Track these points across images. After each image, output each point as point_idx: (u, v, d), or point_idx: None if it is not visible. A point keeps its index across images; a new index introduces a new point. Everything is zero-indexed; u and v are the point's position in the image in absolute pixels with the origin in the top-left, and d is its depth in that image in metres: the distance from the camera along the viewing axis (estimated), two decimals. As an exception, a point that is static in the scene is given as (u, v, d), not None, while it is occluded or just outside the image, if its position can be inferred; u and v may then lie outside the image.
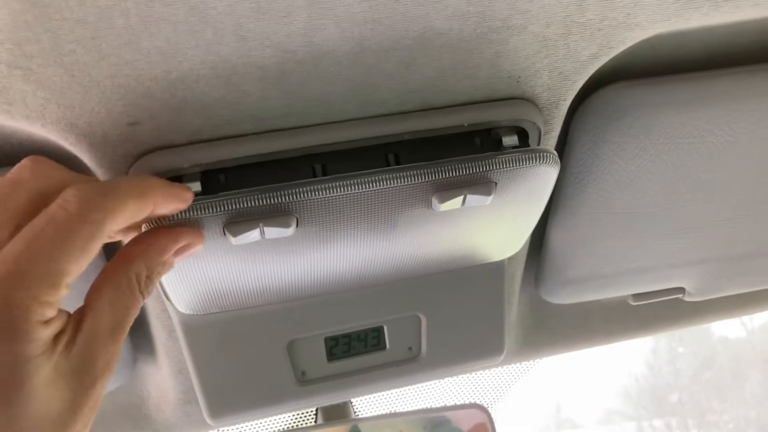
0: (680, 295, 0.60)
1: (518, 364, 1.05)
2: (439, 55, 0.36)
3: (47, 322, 0.25)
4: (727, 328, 5.28)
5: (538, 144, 0.43)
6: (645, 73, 0.45)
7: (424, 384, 0.98)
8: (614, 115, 0.44)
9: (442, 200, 0.38)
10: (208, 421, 0.49)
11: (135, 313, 0.29)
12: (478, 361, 0.53)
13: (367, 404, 0.91)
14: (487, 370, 1.02)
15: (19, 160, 0.38)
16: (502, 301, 0.51)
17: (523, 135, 0.42)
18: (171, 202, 0.32)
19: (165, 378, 0.54)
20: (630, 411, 5.19)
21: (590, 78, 0.42)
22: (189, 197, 0.33)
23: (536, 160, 0.38)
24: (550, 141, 0.44)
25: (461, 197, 0.38)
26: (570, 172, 0.47)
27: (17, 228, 0.26)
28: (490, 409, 0.62)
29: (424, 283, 0.49)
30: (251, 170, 0.37)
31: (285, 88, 0.35)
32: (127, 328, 0.29)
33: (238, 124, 0.37)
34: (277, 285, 0.43)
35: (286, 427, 0.79)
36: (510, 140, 0.39)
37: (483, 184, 0.38)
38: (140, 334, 0.51)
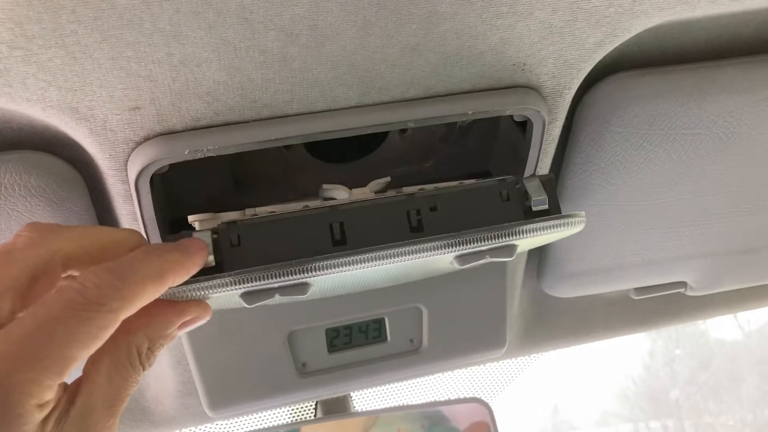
0: (682, 290, 0.60)
1: (517, 360, 1.04)
2: (444, 41, 0.35)
3: (44, 405, 0.24)
4: (724, 330, 5.29)
5: (543, 133, 0.42)
6: (650, 63, 0.44)
7: (423, 379, 0.97)
8: (619, 104, 0.44)
9: (463, 264, 0.36)
10: (208, 413, 0.49)
11: (134, 386, 0.28)
12: (480, 354, 0.52)
13: (367, 398, 0.90)
14: (486, 365, 1.01)
15: (19, 146, 0.38)
16: (504, 294, 0.51)
17: (527, 127, 0.42)
18: (185, 275, 0.31)
19: (164, 369, 0.53)
20: (627, 413, 5.19)
21: (595, 68, 0.42)
22: (201, 262, 0.31)
23: (566, 227, 0.36)
24: (555, 131, 0.44)
25: (482, 260, 0.36)
26: (574, 162, 0.47)
27: (19, 300, 0.26)
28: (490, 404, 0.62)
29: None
30: (265, 229, 0.35)
31: (288, 74, 0.35)
32: (125, 401, 0.28)
33: (240, 110, 0.36)
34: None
35: (284, 421, 0.79)
36: (539, 203, 0.37)
37: (506, 249, 0.36)
38: None
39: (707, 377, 5.03)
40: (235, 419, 0.78)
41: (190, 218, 0.38)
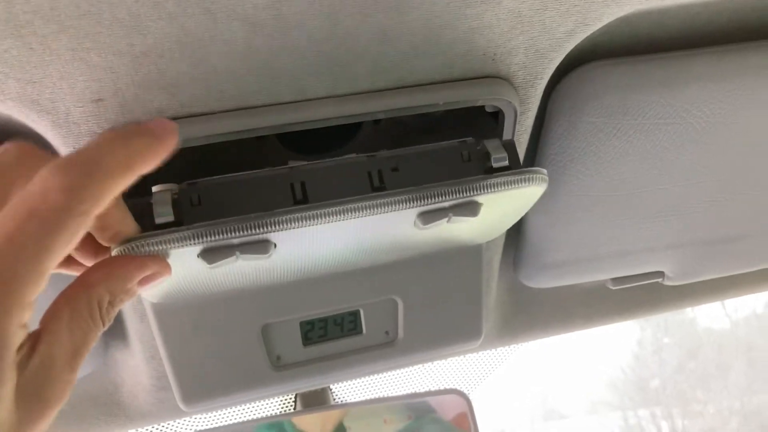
0: (659, 279, 0.60)
1: (499, 352, 1.05)
2: (413, 30, 0.35)
3: (23, 327, 0.24)
4: (712, 319, 5.33)
5: (515, 124, 0.42)
6: (622, 52, 0.44)
7: (404, 373, 0.98)
8: (591, 94, 0.43)
9: (426, 222, 0.36)
10: (182, 407, 0.48)
11: (93, 342, 0.27)
12: (456, 345, 0.52)
13: (348, 391, 0.90)
14: (466, 357, 1.02)
15: None
16: (480, 285, 0.51)
17: (499, 117, 0.42)
18: (155, 160, 0.29)
19: (138, 364, 0.53)
20: (616, 401, 5.23)
21: (568, 57, 0.41)
22: (171, 145, 0.29)
23: (526, 182, 0.36)
24: (527, 121, 0.44)
25: (446, 219, 0.37)
26: (547, 153, 0.47)
27: None
28: (470, 395, 0.62)
29: (401, 266, 0.49)
30: (226, 189, 0.35)
31: (254, 64, 0.34)
32: (84, 357, 0.27)
33: (206, 101, 0.36)
34: (250, 277, 0.42)
35: (264, 414, 0.78)
36: (500, 159, 0.38)
37: (469, 206, 0.36)
38: None
39: (695, 365, 5.08)
40: (214, 413, 0.78)
41: (155, 188, 0.37)
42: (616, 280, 0.60)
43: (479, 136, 0.45)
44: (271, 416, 0.60)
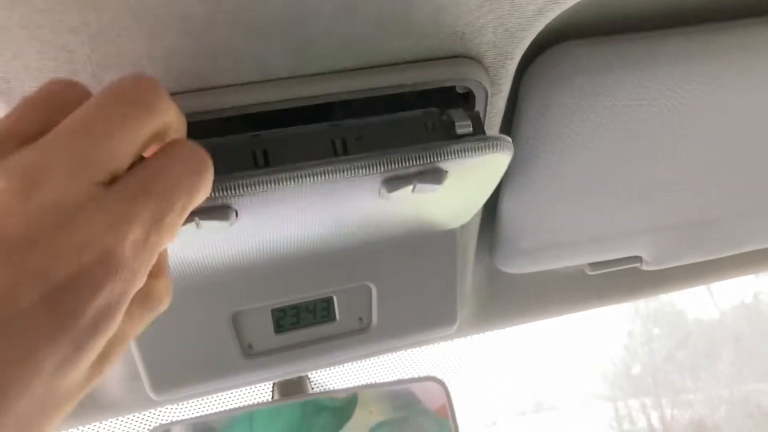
0: (637, 264, 0.60)
1: (473, 338, 1.04)
2: (379, 7, 0.34)
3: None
4: (701, 309, 5.37)
5: (486, 106, 0.41)
6: (595, 32, 0.44)
7: (383, 366, 0.97)
8: (564, 75, 0.43)
9: (391, 189, 0.36)
10: (152, 396, 0.48)
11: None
12: (431, 331, 0.52)
13: (323, 381, 0.90)
14: (451, 345, 1.01)
15: None
16: (455, 270, 0.50)
17: (470, 98, 0.41)
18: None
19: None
20: (606, 392, 5.26)
21: (540, 38, 0.41)
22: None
23: (490, 149, 0.36)
24: (499, 103, 0.43)
25: (411, 186, 0.36)
26: (521, 136, 0.46)
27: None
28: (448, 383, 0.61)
29: (374, 252, 0.48)
30: None
31: (214, 42, 0.34)
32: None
33: (166, 81, 0.35)
34: (217, 258, 0.41)
35: (241, 404, 0.78)
36: (464, 126, 0.37)
37: (434, 174, 0.36)
38: None
39: (684, 355, 5.11)
40: (187, 404, 0.77)
41: None
42: (594, 265, 0.59)
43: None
44: (247, 406, 0.60)
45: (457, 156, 0.35)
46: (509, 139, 0.37)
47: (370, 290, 0.50)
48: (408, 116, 0.38)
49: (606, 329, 5.21)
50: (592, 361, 5.27)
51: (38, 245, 0.20)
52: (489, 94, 0.40)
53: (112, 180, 0.23)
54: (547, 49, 0.43)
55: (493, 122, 0.44)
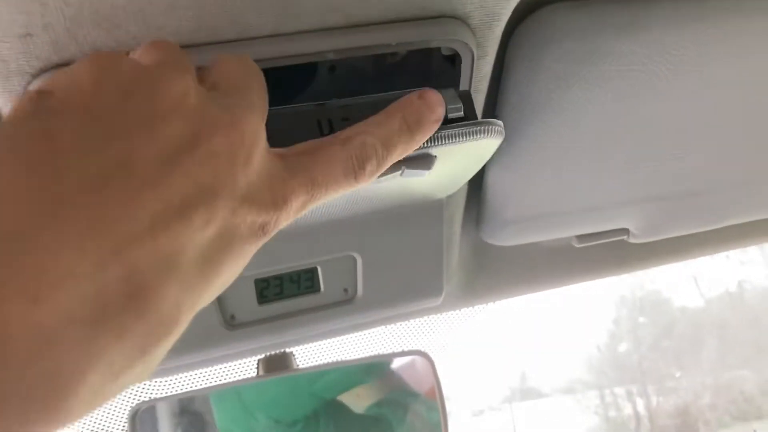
0: (624, 237, 0.59)
1: (459, 325, 1.04)
2: None
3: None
4: (687, 297, 5.43)
5: (472, 70, 0.40)
6: None
7: (370, 348, 0.97)
8: (551, 39, 0.42)
9: (378, 176, 0.35)
10: None
11: None
12: (416, 302, 0.51)
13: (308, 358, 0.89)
14: (430, 331, 1.01)
15: None
16: (441, 241, 0.50)
17: (456, 62, 0.40)
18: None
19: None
20: (592, 380, 5.32)
21: (527, 0, 0.40)
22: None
23: (482, 134, 0.35)
24: (485, 66, 0.42)
25: (399, 172, 0.35)
26: (507, 102, 0.45)
27: None
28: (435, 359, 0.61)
29: (360, 222, 0.47)
30: None
31: None
32: None
33: (144, 38, 0.34)
34: None
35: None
36: (455, 110, 0.36)
37: (423, 159, 0.35)
38: None
39: (670, 343, 5.17)
40: (170, 378, 0.76)
41: None
42: (581, 238, 0.59)
43: (435, 86, 0.44)
44: (231, 382, 0.59)
45: (447, 142, 0.35)
46: (501, 123, 0.36)
47: (355, 261, 0.49)
48: (397, 96, 0.37)
49: (592, 317, 5.25)
50: (578, 348, 5.32)
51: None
52: (475, 57, 0.40)
53: None
54: (535, 12, 0.42)
55: (479, 87, 0.43)
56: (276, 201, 0.26)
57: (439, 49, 0.40)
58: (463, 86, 0.41)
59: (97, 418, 0.91)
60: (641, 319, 5.53)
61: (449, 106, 0.36)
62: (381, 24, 0.37)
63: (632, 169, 0.51)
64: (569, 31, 0.42)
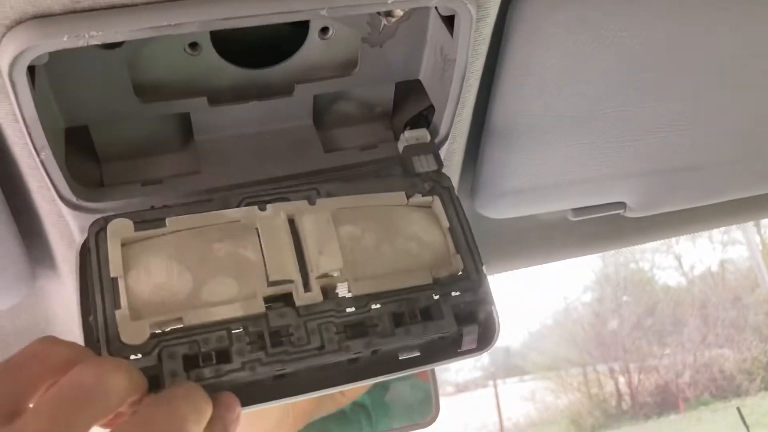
0: (621, 211, 0.58)
1: None
2: None
3: None
4: (670, 277, 5.48)
5: (471, 32, 0.39)
6: None
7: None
8: (551, 2, 0.40)
9: None
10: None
11: None
12: None
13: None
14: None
15: None
16: None
17: (453, 23, 0.39)
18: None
19: (70, 295, 0.49)
20: (576, 357, 5.37)
21: None
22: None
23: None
24: (485, 29, 0.41)
25: None
26: (506, 68, 0.44)
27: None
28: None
29: None
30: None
31: None
32: None
33: None
34: None
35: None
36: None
37: None
38: (38, 245, 0.46)
39: (652, 322, 5.23)
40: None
41: (111, 226, 0.34)
42: (577, 211, 0.58)
43: (436, 50, 0.42)
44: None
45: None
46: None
47: None
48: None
49: (576, 296, 5.30)
50: (562, 326, 5.37)
51: None
52: (474, 19, 0.38)
53: None
54: None
55: (478, 51, 0.42)
56: None
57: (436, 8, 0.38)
58: (461, 49, 0.40)
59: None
60: (625, 298, 5.58)
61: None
62: None
63: (630, 140, 0.50)
64: None
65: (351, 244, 0.37)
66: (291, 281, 0.35)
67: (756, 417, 4.09)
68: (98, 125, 0.43)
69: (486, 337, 0.39)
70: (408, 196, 0.40)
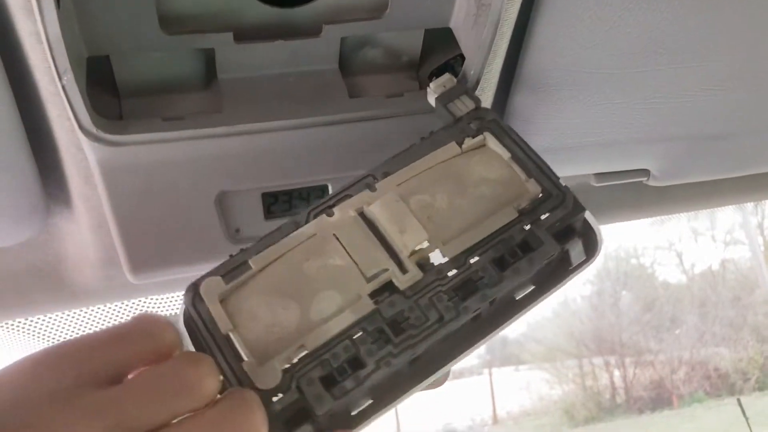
0: (644, 179, 0.57)
1: None
2: None
3: None
4: (670, 274, 5.48)
5: None
6: None
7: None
8: None
9: None
10: (129, 277, 0.45)
11: None
12: None
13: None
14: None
15: None
16: None
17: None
18: None
19: (84, 234, 0.48)
20: (572, 349, 5.38)
21: None
22: None
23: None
24: None
25: None
26: (540, 20, 0.43)
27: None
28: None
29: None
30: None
31: None
32: None
33: None
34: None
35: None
36: None
37: None
38: (54, 180, 0.45)
39: (650, 317, 5.24)
40: (169, 295, 0.74)
41: (204, 287, 0.34)
42: (600, 176, 0.57)
43: None
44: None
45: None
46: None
47: None
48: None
49: (575, 288, 5.30)
50: (560, 318, 5.38)
51: None
52: None
53: None
54: None
55: (513, 1, 0.40)
56: None
57: None
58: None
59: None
60: (624, 293, 5.58)
61: None
62: None
63: (659, 103, 0.49)
64: None
65: (426, 212, 0.37)
66: (386, 269, 0.35)
67: (749, 415, 4.11)
68: (120, 56, 0.42)
69: (590, 244, 0.38)
70: (459, 144, 0.39)
